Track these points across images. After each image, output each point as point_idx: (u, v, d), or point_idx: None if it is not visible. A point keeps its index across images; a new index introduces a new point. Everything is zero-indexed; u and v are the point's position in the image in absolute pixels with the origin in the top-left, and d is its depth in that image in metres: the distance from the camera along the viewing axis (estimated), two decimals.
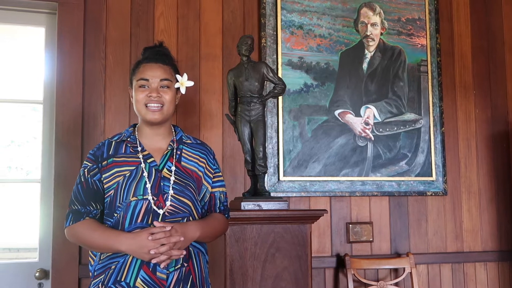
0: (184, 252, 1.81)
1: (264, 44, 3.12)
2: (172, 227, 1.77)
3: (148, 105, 1.90)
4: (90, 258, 1.91)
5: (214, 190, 2.03)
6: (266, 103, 2.57)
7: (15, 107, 3.09)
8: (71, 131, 2.80)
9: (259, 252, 2.25)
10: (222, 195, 2.05)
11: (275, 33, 3.15)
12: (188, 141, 2.04)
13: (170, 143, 1.98)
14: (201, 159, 2.01)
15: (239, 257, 2.22)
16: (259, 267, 2.25)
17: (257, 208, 2.32)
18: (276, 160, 3.08)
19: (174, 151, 1.97)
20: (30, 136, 3.20)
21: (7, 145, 3.24)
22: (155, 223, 1.78)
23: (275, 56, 3.14)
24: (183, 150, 1.99)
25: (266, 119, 2.95)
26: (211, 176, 2.03)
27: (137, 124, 2.02)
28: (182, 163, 1.96)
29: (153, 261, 1.75)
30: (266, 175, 2.88)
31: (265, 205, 2.34)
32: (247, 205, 2.33)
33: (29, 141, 3.44)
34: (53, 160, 2.78)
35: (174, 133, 2.03)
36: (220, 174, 2.07)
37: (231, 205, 2.51)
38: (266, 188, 2.87)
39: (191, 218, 1.89)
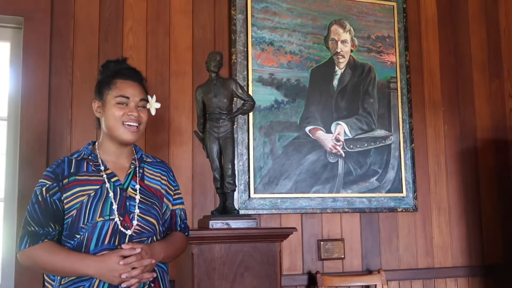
0: (155, 275, 1.79)
1: (235, 61, 3.11)
2: (141, 249, 1.72)
3: (126, 123, 1.85)
4: (47, 284, 1.83)
5: (174, 207, 2.02)
6: (235, 119, 2.55)
7: None
8: (36, 149, 2.73)
9: (227, 271, 2.21)
10: (182, 213, 2.05)
11: (245, 49, 3.15)
12: (148, 160, 2.02)
13: (133, 161, 1.94)
14: (162, 176, 2.00)
15: (207, 277, 2.18)
16: (228, 287, 2.20)
17: (225, 226, 2.29)
18: (247, 177, 3.05)
19: (137, 169, 1.93)
20: None
21: None
22: (123, 246, 1.72)
23: (245, 73, 3.13)
24: (145, 169, 1.97)
25: (235, 135, 2.93)
26: (172, 194, 2.01)
27: (95, 141, 1.97)
28: (146, 181, 1.93)
29: (123, 285, 1.70)
30: (236, 192, 2.85)
31: (234, 223, 2.31)
32: (216, 224, 2.29)
33: None
34: (17, 178, 2.71)
35: (134, 151, 1.99)
36: (179, 191, 2.06)
37: (200, 223, 2.47)
38: (237, 205, 2.84)
39: (154, 238, 1.86)
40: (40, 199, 1.80)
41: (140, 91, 1.92)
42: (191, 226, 2.84)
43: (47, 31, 2.83)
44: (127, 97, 1.87)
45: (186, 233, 2.06)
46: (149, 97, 1.99)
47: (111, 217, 1.78)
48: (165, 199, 1.98)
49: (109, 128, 1.88)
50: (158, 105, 2.03)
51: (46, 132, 2.76)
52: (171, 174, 2.05)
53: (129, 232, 1.78)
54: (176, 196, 2.03)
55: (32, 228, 1.77)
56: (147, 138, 2.92)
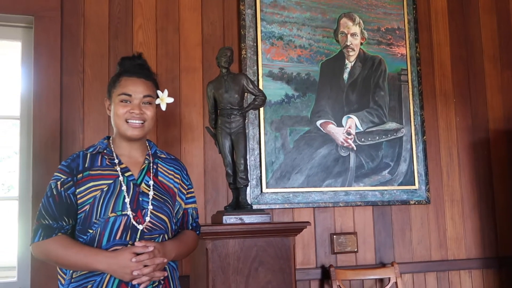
0: (166, 273, 1.79)
1: (244, 56, 3.11)
2: (154, 248, 1.73)
3: (130, 121, 1.86)
4: (59, 277, 1.83)
5: (187, 206, 2.01)
6: (247, 115, 2.55)
7: None
8: (49, 147, 2.75)
9: (242, 266, 2.22)
10: (194, 212, 2.04)
11: (255, 44, 3.14)
12: (163, 156, 2.01)
13: (147, 156, 1.94)
14: (176, 174, 1.99)
15: (221, 272, 2.19)
16: (242, 282, 2.21)
17: (239, 221, 2.29)
18: (259, 172, 3.06)
19: (151, 165, 1.93)
20: (11, 152, 3.15)
21: None
22: (136, 243, 1.73)
23: (255, 68, 3.12)
24: (159, 165, 1.96)
25: (247, 131, 2.93)
26: (185, 193, 2.01)
27: (110, 136, 1.97)
28: (159, 177, 1.93)
29: (134, 282, 1.70)
30: (248, 187, 2.85)
31: (247, 218, 2.31)
32: (229, 219, 2.30)
33: (10, 156, 3.39)
34: (31, 177, 2.73)
35: (148, 147, 1.99)
36: (192, 190, 2.05)
37: (214, 218, 2.48)
38: (249, 200, 2.85)
39: (166, 235, 1.86)
40: (54, 193, 1.80)
41: (145, 87, 1.90)
42: (204, 222, 2.86)
43: (57, 29, 2.84)
44: (129, 95, 1.87)
45: (198, 232, 2.05)
46: (159, 92, 1.97)
47: (123, 212, 1.78)
48: (178, 198, 1.97)
49: (115, 126, 1.89)
50: (170, 100, 2.00)
51: (59, 130, 2.78)
52: (185, 172, 2.04)
53: (141, 227, 1.78)
54: (189, 195, 2.02)
55: (46, 222, 1.77)
56: (158, 134, 2.94)
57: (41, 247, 1.77)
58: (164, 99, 1.98)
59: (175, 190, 1.96)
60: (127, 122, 1.86)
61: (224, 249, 2.21)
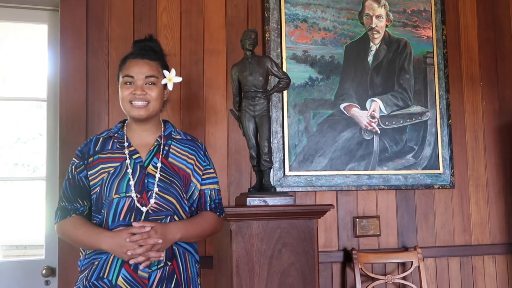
0: (163, 255, 1.77)
1: (268, 38, 3.10)
2: (152, 228, 1.74)
3: (133, 102, 1.87)
4: (80, 253, 1.91)
5: (204, 187, 1.97)
6: (270, 97, 2.55)
7: (20, 105, 3.09)
8: (75, 128, 2.79)
9: (265, 248, 2.24)
10: (213, 193, 1.99)
11: (279, 26, 3.12)
12: (178, 137, 1.99)
13: (157, 138, 1.95)
14: (190, 155, 1.96)
15: (245, 253, 2.21)
16: (266, 263, 2.23)
17: (262, 203, 2.31)
18: (282, 155, 3.06)
19: (161, 147, 1.93)
20: (36, 133, 3.20)
21: (13, 142, 3.24)
22: (134, 223, 1.75)
23: (279, 50, 3.11)
24: (172, 146, 1.95)
25: (271, 113, 2.93)
26: (201, 173, 1.96)
27: (126, 119, 2.00)
28: (170, 159, 1.92)
29: (131, 261, 1.74)
30: (271, 170, 2.86)
31: (271, 200, 2.32)
32: (253, 201, 2.31)
33: (35, 138, 3.44)
34: (58, 158, 2.78)
35: (163, 128, 1.98)
36: (211, 170, 2.00)
37: (237, 200, 2.50)
38: (272, 183, 2.85)
39: (175, 217, 1.85)
40: (70, 177, 1.89)
41: (148, 68, 1.89)
42: (227, 204, 2.88)
43: (83, 12, 2.86)
44: (131, 76, 1.88)
45: (218, 213, 2.00)
46: (166, 72, 1.94)
47: (127, 194, 1.81)
48: (192, 179, 1.94)
49: (123, 108, 1.92)
50: (178, 79, 1.95)
51: (85, 111, 2.82)
52: (202, 153, 1.99)
53: (144, 209, 1.80)
54: (206, 176, 1.98)
55: (63, 204, 1.88)
56: (182, 116, 2.95)
57: (59, 227, 1.88)
58: (172, 78, 1.93)
59: (188, 171, 1.93)
60: (131, 103, 1.88)
61: (248, 231, 2.23)
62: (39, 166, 3.09)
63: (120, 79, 1.92)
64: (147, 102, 1.88)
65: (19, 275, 2.80)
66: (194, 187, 1.95)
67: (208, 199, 1.97)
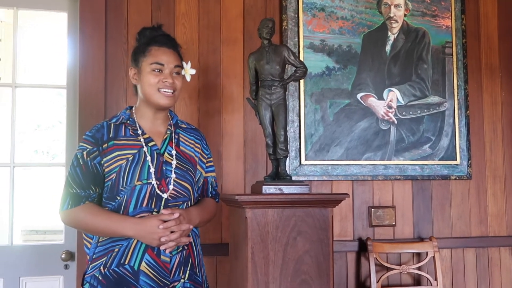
0: (191, 239, 1.88)
1: (286, 27, 3.10)
2: (180, 215, 1.81)
3: (162, 90, 1.90)
4: (85, 241, 1.93)
5: (207, 175, 2.10)
6: (287, 86, 2.55)
7: (40, 92, 3.13)
8: (94, 116, 2.83)
9: (280, 235, 2.25)
10: (213, 180, 2.13)
11: (296, 15, 3.12)
12: (183, 126, 2.06)
13: (168, 127, 2.00)
14: (196, 144, 2.05)
15: (260, 240, 2.22)
16: (281, 250, 2.24)
17: (278, 192, 2.32)
18: (298, 144, 3.07)
19: (173, 135, 1.98)
20: (55, 121, 3.25)
21: (33, 130, 3.30)
22: (163, 211, 1.81)
23: (296, 39, 3.11)
24: (180, 135, 2.02)
25: (287, 102, 2.93)
26: (205, 162, 2.08)
27: (133, 106, 2.02)
28: (181, 147, 1.99)
29: (162, 247, 1.79)
30: (287, 159, 2.86)
31: (287, 189, 2.33)
32: (269, 189, 2.32)
33: (55, 125, 3.49)
34: (77, 144, 2.81)
35: (170, 117, 2.04)
36: (211, 159, 2.14)
37: (253, 188, 2.52)
38: (288, 172, 2.86)
39: (189, 203, 1.94)
40: (81, 163, 1.86)
41: (175, 57, 1.94)
42: (243, 191, 2.90)
43: (102, 0, 2.89)
44: (162, 64, 1.91)
45: (217, 200, 2.15)
46: (184, 63, 2.02)
47: (148, 181, 1.84)
48: (198, 167, 2.04)
49: (146, 95, 1.92)
50: (193, 71, 2.06)
51: (103, 99, 2.85)
52: (204, 142, 2.11)
53: (165, 195, 1.85)
54: (208, 164, 2.11)
55: (74, 190, 1.85)
56: (199, 105, 2.97)
57: (70, 215, 1.86)
58: (188, 70, 2.04)
59: (196, 159, 2.03)
60: (159, 91, 1.90)
61: (263, 218, 2.25)
62: (58, 153, 3.14)
63: (144, 65, 1.92)
64: (174, 91, 1.92)
65: (39, 259, 2.86)
66: (199, 174, 2.06)
67: (210, 186, 2.11)
